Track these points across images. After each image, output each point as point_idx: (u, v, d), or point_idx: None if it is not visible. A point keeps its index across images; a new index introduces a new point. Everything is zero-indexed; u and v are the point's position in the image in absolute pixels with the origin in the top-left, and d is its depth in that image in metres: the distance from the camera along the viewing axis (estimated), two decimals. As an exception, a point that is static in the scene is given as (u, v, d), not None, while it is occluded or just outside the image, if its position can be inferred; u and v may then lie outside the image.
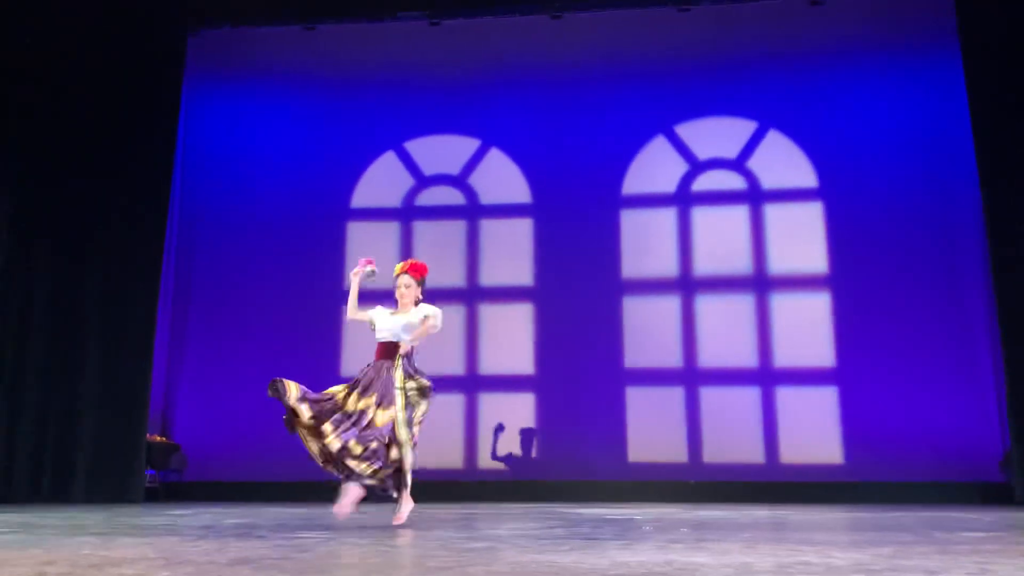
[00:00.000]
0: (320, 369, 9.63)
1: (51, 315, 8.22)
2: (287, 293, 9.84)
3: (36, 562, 2.85)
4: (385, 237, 9.91)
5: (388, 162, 10.10)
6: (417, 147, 10.09)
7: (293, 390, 4.57)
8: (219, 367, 9.72)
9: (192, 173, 9.72)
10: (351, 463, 4.49)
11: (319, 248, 9.94)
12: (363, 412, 4.61)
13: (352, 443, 4.48)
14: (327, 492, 8.82)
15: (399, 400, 4.75)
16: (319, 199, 10.02)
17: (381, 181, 10.07)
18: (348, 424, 4.53)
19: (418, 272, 5.04)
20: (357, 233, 9.98)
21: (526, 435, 9.28)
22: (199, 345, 9.80)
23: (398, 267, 5.10)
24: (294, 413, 4.56)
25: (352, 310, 5.12)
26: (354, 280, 5.11)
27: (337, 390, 4.72)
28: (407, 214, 9.98)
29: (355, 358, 9.65)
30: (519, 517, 5.56)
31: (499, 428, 9.19)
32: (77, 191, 8.39)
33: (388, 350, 4.82)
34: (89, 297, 8.30)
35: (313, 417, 4.53)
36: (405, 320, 4.86)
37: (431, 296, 9.73)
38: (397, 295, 4.99)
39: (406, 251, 9.78)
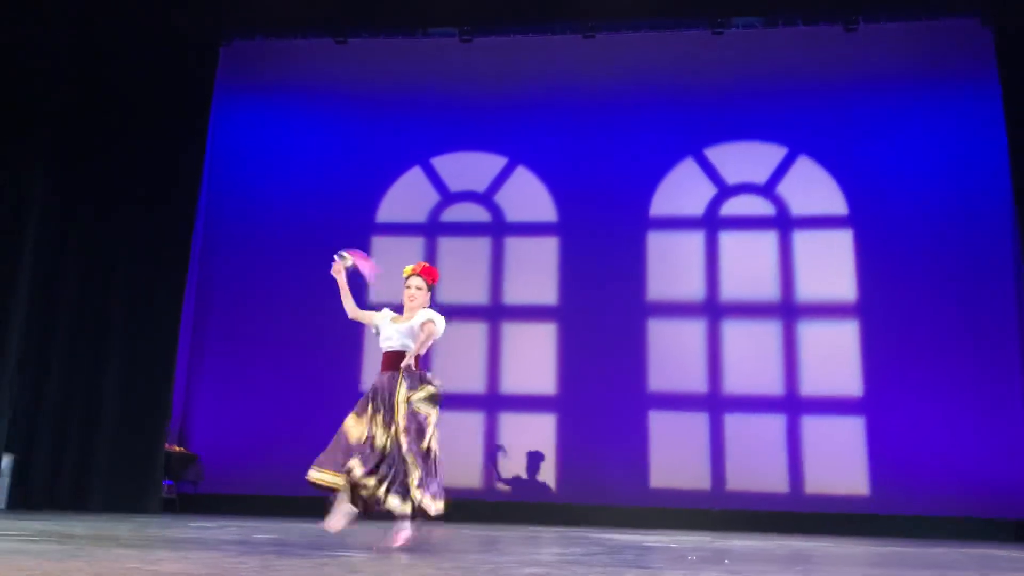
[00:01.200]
0: (340, 383, 9.55)
1: (74, 323, 8.17)
2: (308, 306, 9.74)
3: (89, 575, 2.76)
4: (410, 252, 9.82)
5: (414, 177, 10.06)
6: (444, 163, 10.05)
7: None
8: (237, 379, 9.65)
9: (217, 182, 9.68)
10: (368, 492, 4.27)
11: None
12: (374, 437, 4.37)
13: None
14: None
15: (400, 413, 4.44)
16: (344, 212, 9.96)
17: (407, 196, 10.02)
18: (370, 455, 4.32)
19: (430, 276, 4.70)
20: (382, 247, 9.90)
21: (544, 457, 9.15)
22: (218, 356, 9.72)
23: (408, 269, 4.76)
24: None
25: (351, 309, 4.82)
26: (338, 278, 4.86)
27: (355, 428, 4.41)
28: (432, 230, 9.92)
29: (374, 371, 9.57)
30: (550, 542, 5.45)
31: (500, 449, 9.08)
32: (106, 199, 8.36)
33: (393, 360, 4.48)
34: (113, 305, 8.25)
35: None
36: (407, 326, 4.52)
37: (457, 312, 9.69)
38: (406, 296, 4.64)
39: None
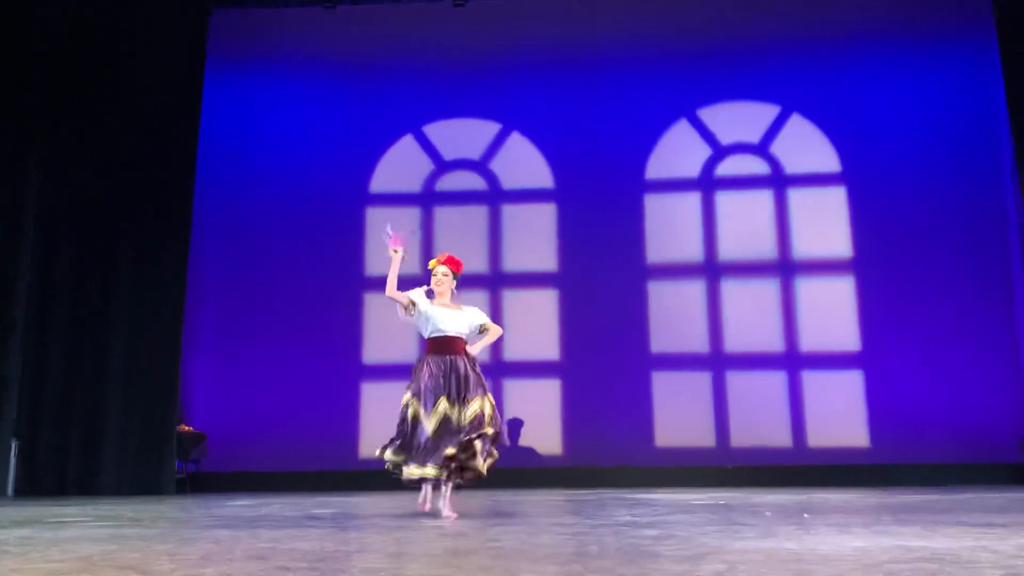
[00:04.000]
0: (340, 355, 9.51)
1: (77, 300, 7.99)
2: (305, 278, 9.66)
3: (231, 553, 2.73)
4: (405, 222, 9.70)
5: (407, 146, 9.95)
6: (436, 131, 9.94)
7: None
8: (235, 355, 9.52)
9: (207, 156, 9.44)
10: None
11: (337, 233, 9.76)
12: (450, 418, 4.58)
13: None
14: (348, 480, 8.80)
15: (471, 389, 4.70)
16: (337, 183, 9.83)
17: (400, 165, 9.91)
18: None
19: (456, 267, 5.02)
20: (376, 218, 9.80)
21: (551, 421, 9.22)
22: (215, 333, 9.56)
23: (434, 261, 5.05)
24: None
25: (392, 289, 4.91)
26: (396, 259, 4.97)
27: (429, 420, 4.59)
28: (427, 199, 9.83)
29: (376, 344, 9.54)
30: (598, 505, 5.51)
31: (518, 423, 9.12)
32: (102, 175, 8.17)
33: (453, 344, 4.77)
34: (117, 283, 8.09)
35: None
36: (459, 314, 4.86)
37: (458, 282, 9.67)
38: (435, 283, 4.92)
39: (427, 237, 9.65)
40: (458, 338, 4.79)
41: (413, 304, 4.86)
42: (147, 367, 7.94)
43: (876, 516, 4.09)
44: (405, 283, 4.95)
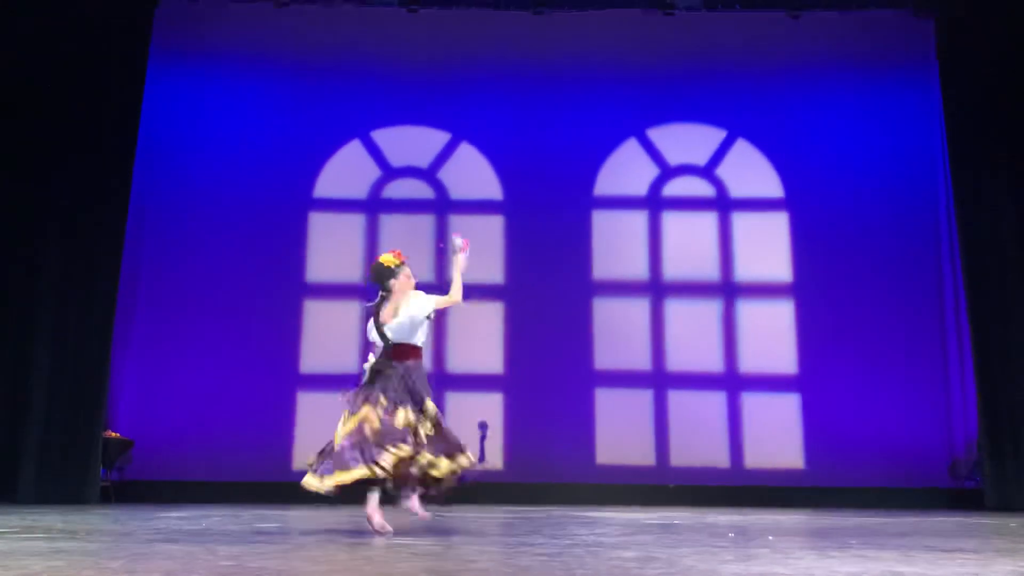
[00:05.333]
0: (278, 363, 9.23)
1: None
2: (242, 282, 9.35)
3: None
4: (350, 229, 9.56)
5: (354, 151, 9.74)
6: (385, 137, 9.77)
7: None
8: (165, 359, 9.14)
9: (145, 153, 9.05)
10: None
11: (278, 237, 9.49)
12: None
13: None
14: (280, 492, 8.52)
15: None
16: (280, 186, 9.56)
17: (346, 171, 9.70)
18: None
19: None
20: (320, 224, 9.59)
21: (493, 436, 9.08)
22: (144, 336, 9.16)
23: (391, 257, 4.81)
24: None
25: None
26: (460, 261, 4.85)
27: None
28: (373, 206, 9.64)
29: (314, 353, 9.29)
30: (555, 523, 5.42)
31: (483, 426, 8.92)
32: (32, 172, 7.73)
33: (402, 352, 4.63)
34: (42, 281, 7.66)
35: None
36: (410, 316, 4.64)
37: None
38: (406, 284, 4.74)
39: (372, 245, 9.46)
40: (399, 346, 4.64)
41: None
42: (73, 371, 7.54)
43: (841, 540, 4.10)
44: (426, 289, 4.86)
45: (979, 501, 8.20)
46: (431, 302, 4.67)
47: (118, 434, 8.05)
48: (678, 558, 3.19)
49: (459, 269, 4.84)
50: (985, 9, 8.61)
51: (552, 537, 4.20)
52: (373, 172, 9.70)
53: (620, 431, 9.14)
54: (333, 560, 3.10)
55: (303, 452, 9.05)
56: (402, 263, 4.75)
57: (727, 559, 3.17)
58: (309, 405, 9.17)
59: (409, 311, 4.62)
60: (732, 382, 9.26)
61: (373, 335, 4.66)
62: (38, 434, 7.40)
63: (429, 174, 9.70)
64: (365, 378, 4.58)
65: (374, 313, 4.64)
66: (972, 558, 3.28)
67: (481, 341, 9.28)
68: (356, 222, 9.60)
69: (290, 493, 8.51)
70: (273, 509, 6.93)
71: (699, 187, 9.72)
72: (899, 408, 9.01)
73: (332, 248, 9.55)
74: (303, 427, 9.12)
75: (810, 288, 9.39)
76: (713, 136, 9.78)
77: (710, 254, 9.54)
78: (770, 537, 4.26)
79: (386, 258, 4.79)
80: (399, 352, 4.56)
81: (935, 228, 9.29)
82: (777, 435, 9.11)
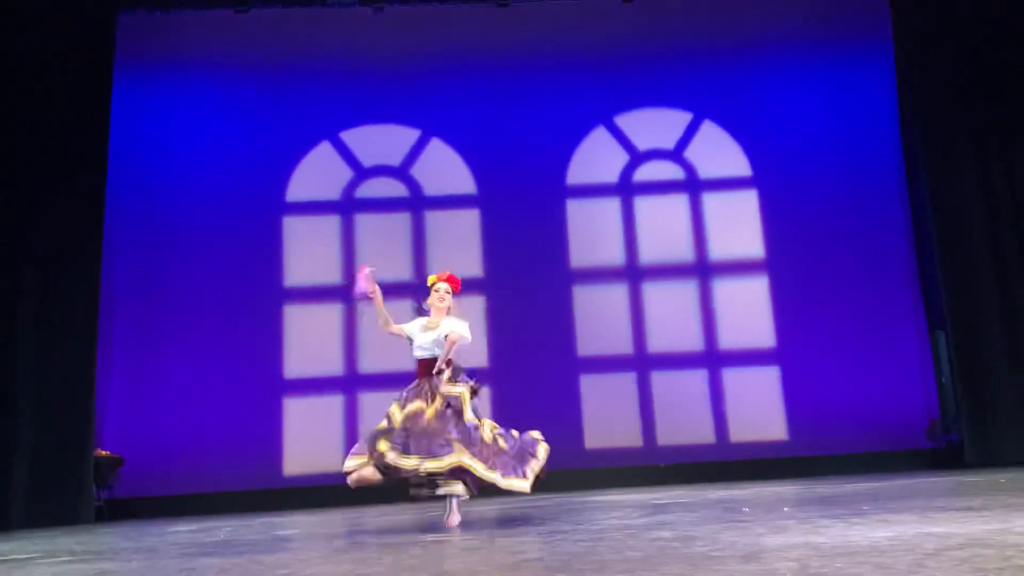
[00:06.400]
0: (262, 370, 9.20)
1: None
2: (220, 291, 9.29)
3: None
4: (325, 231, 9.54)
5: (324, 153, 9.71)
6: (354, 137, 9.75)
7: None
8: (146, 373, 9.06)
9: (116, 164, 8.89)
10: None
11: (254, 243, 9.45)
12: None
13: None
14: (274, 499, 8.52)
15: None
16: (252, 192, 9.51)
17: (318, 173, 9.67)
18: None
19: (455, 285, 5.01)
20: (295, 228, 9.55)
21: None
22: (124, 351, 9.06)
23: (433, 277, 5.04)
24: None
25: (385, 323, 4.92)
26: (375, 296, 4.89)
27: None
28: (347, 207, 9.63)
29: (297, 358, 9.26)
30: (558, 508, 5.52)
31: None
32: (5, 192, 7.58)
33: (426, 367, 4.76)
34: (23, 295, 7.53)
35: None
36: (435, 336, 4.80)
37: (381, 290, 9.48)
38: (437, 299, 4.91)
39: (348, 245, 9.47)
40: (427, 360, 4.77)
41: (410, 338, 4.87)
42: (60, 389, 7.44)
43: (853, 507, 4.25)
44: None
45: (956, 459, 8.50)
46: (455, 330, 4.75)
47: (108, 452, 7.95)
48: (714, 534, 3.30)
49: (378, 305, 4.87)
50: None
51: (577, 523, 4.29)
52: (345, 173, 9.68)
53: (607, 415, 9.27)
54: (381, 562, 3.15)
55: (293, 458, 9.10)
56: (439, 282, 4.95)
57: (761, 532, 3.28)
58: (296, 410, 9.16)
59: (438, 332, 4.76)
60: (713, 359, 9.45)
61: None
62: (28, 456, 7.28)
63: (402, 172, 9.71)
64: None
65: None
66: (988, 515, 3.43)
67: (464, 335, 9.31)
68: (331, 224, 9.58)
69: (283, 499, 8.64)
70: (275, 516, 6.91)
71: (669, 170, 9.87)
72: (875, 374, 9.27)
73: (309, 252, 9.52)
74: (291, 433, 9.12)
75: (782, 263, 9.60)
76: (680, 119, 9.93)
77: (683, 236, 9.71)
78: (785, 508, 4.40)
79: (431, 277, 5.05)
80: (422, 367, 4.69)
81: (896, 196, 9.57)
82: (760, 408, 9.32)
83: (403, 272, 9.39)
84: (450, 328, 4.81)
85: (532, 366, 9.28)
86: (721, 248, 9.68)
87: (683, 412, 9.31)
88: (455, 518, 4.53)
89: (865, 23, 9.64)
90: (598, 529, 3.86)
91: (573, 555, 2.94)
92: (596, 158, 9.82)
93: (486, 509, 6.03)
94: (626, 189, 9.79)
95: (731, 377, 9.41)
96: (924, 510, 3.81)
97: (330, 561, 3.21)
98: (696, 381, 9.41)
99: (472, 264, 9.49)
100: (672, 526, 3.74)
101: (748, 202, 9.79)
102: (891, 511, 3.86)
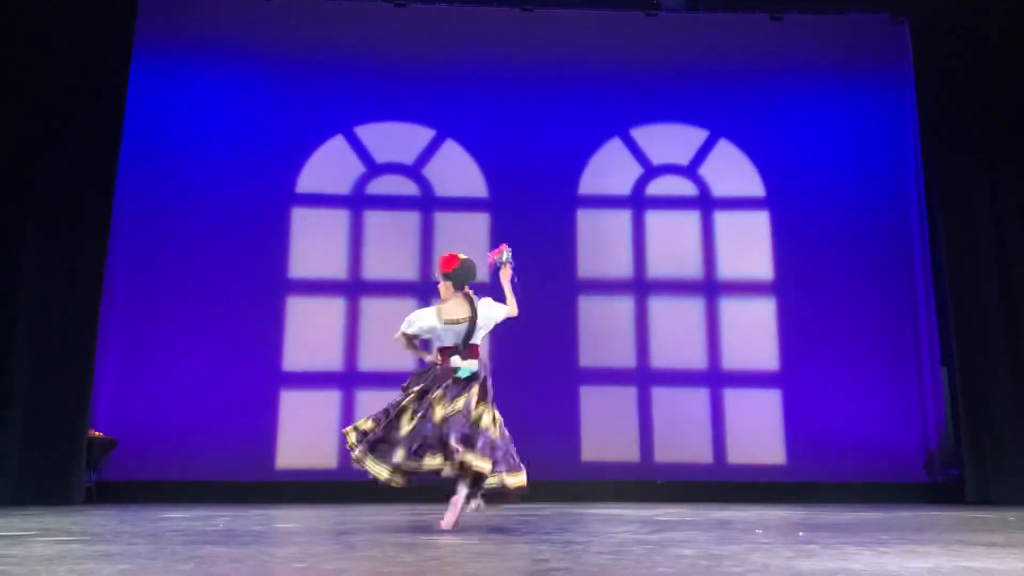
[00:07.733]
0: (261, 361, 9.09)
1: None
2: (224, 279, 9.17)
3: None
4: (333, 224, 9.45)
5: (337, 146, 9.62)
6: (368, 133, 9.67)
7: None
8: (145, 357, 8.92)
9: (127, 148, 8.80)
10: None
11: (261, 233, 9.34)
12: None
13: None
14: (265, 491, 8.40)
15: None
16: (262, 181, 9.40)
17: (329, 166, 9.58)
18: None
19: (444, 266, 5.21)
20: (303, 220, 9.45)
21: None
22: (124, 333, 8.93)
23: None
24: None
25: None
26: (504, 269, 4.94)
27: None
28: (357, 202, 9.54)
29: (297, 350, 9.16)
30: (561, 519, 5.44)
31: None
32: (14, 169, 7.48)
33: (450, 353, 4.94)
34: (23, 278, 7.41)
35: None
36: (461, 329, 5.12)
37: (383, 288, 9.42)
38: (443, 291, 5.20)
39: (356, 241, 9.38)
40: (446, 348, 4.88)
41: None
42: (57, 368, 7.31)
43: (873, 535, 4.18)
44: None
45: (954, 495, 8.46)
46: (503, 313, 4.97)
47: (101, 433, 7.82)
48: (739, 555, 3.23)
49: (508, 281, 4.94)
50: (958, 13, 8.87)
51: (589, 535, 4.21)
52: (357, 168, 9.60)
53: (605, 428, 9.19)
54: (400, 561, 3.06)
55: (286, 451, 8.98)
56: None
57: (789, 555, 3.21)
58: (292, 403, 9.05)
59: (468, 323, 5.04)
60: (715, 379, 9.38)
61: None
62: (16, 437, 7.15)
63: (414, 171, 9.64)
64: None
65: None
66: (1018, 552, 3.37)
67: (467, 339, 9.22)
68: (340, 218, 9.49)
69: (274, 492, 8.52)
70: (268, 509, 6.81)
71: (682, 186, 9.82)
72: (876, 404, 9.22)
73: (315, 244, 9.43)
74: (286, 425, 9.01)
75: (791, 286, 9.55)
76: (695, 136, 9.90)
77: (693, 252, 9.65)
78: (800, 533, 4.33)
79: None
80: (445, 354, 4.85)
81: (908, 225, 9.54)
82: (759, 431, 9.25)
83: (408, 272, 9.32)
84: (496, 313, 5.27)
85: (533, 374, 9.18)
86: (730, 267, 9.63)
87: (682, 430, 9.24)
88: (451, 519, 4.40)
89: (885, 51, 9.64)
90: (614, 542, 3.78)
91: (601, 567, 2.86)
92: (610, 169, 9.77)
93: (477, 514, 5.93)
94: (638, 202, 9.74)
95: (732, 397, 9.34)
96: (947, 543, 3.74)
97: (345, 557, 3.12)
98: (697, 399, 9.35)
99: (479, 268, 9.35)
100: (690, 544, 3.67)
101: (760, 223, 9.75)
102: (914, 542, 3.79)
